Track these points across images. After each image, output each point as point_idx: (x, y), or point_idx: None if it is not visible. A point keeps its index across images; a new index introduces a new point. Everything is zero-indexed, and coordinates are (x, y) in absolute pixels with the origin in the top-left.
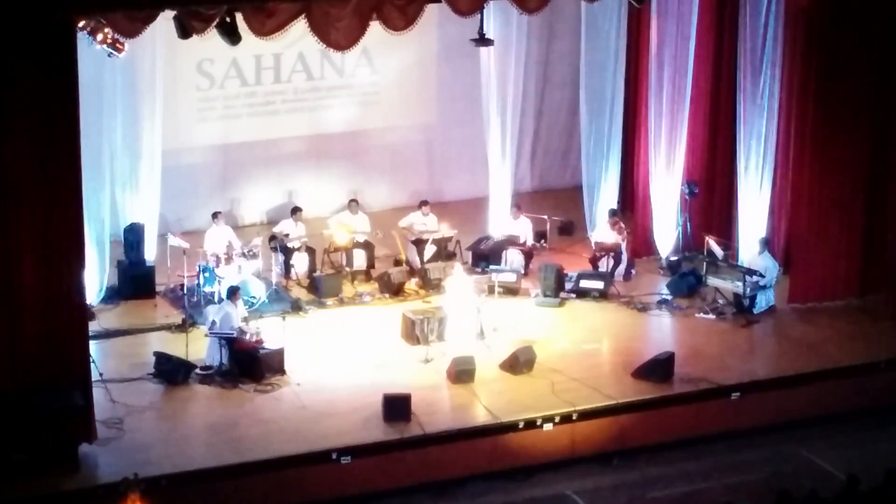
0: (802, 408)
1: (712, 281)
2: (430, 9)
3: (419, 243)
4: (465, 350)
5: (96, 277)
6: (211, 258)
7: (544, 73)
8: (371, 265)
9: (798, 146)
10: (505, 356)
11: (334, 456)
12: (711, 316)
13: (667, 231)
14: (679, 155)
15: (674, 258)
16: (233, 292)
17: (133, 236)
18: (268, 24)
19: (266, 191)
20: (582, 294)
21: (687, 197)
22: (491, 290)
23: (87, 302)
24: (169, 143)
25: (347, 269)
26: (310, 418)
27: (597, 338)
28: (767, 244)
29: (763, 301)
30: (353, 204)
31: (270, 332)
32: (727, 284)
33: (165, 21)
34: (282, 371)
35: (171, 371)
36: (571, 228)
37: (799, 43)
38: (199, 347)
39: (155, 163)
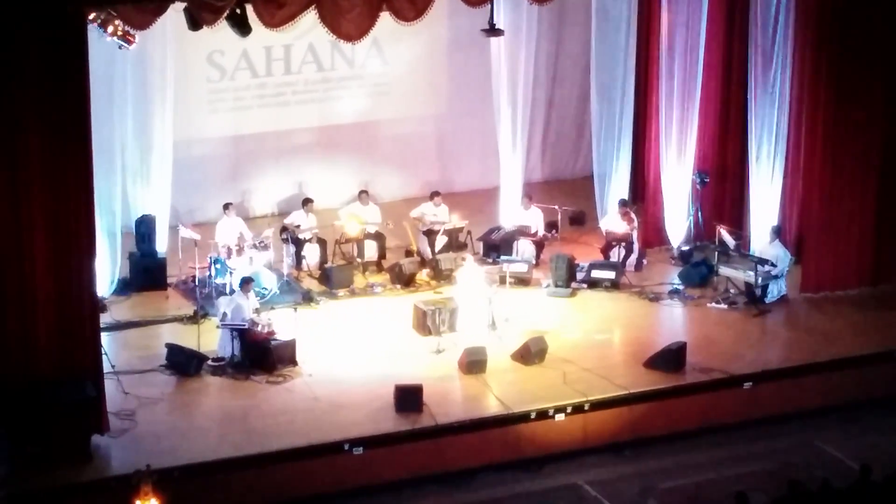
0: (815, 397)
1: (724, 270)
2: None
3: (430, 234)
4: (477, 340)
5: (108, 269)
6: (222, 250)
7: (555, 63)
8: (382, 256)
9: (810, 135)
10: (516, 346)
11: (346, 447)
12: (723, 305)
13: (678, 221)
14: (690, 144)
15: (685, 248)
16: (245, 283)
17: (144, 228)
18: (278, 15)
19: (277, 182)
20: (593, 284)
21: (698, 186)
22: (502, 281)
23: (99, 294)
24: (180, 135)
25: (359, 260)
26: (322, 409)
27: (608, 328)
28: (779, 233)
29: (775, 290)
30: (364, 195)
31: (282, 323)
32: (739, 274)
33: (176, 13)
34: (293, 362)
35: (183, 362)
36: (583, 218)
37: (810, 31)
38: (210, 339)
39: (166, 154)
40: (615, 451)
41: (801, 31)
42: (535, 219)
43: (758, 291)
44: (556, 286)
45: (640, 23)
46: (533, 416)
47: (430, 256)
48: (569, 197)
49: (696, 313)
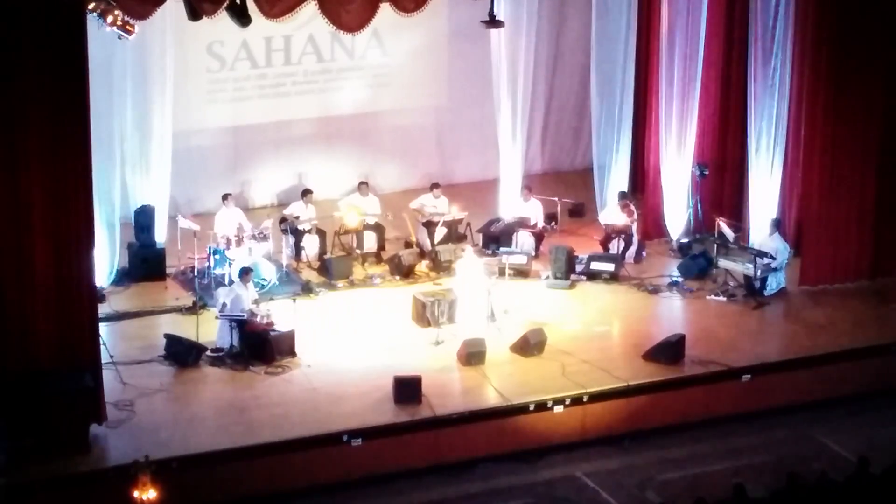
0: (813, 390)
1: (723, 263)
2: None
3: (430, 225)
4: (476, 332)
5: (107, 260)
6: (221, 240)
7: (555, 55)
8: (381, 247)
9: (809, 127)
10: (515, 338)
11: (345, 438)
12: (722, 298)
13: (677, 213)
14: (690, 136)
15: (685, 240)
16: (244, 274)
17: (143, 218)
18: (278, 5)
19: (276, 173)
20: (592, 276)
21: (698, 178)
22: (501, 273)
23: (98, 284)
24: (179, 126)
25: (358, 251)
26: (320, 400)
27: (607, 320)
28: (778, 226)
29: (774, 283)
30: (364, 186)
31: (281, 314)
32: (738, 266)
33: (175, 3)
34: (292, 353)
35: (182, 353)
36: (582, 210)
37: (810, 24)
38: (209, 329)
39: (165, 145)
40: (614, 442)
41: (801, 23)
42: (534, 210)
43: (757, 284)
44: (556, 278)
45: (641, 14)
46: (532, 407)
47: (430, 248)
48: (568, 189)
49: (695, 306)
